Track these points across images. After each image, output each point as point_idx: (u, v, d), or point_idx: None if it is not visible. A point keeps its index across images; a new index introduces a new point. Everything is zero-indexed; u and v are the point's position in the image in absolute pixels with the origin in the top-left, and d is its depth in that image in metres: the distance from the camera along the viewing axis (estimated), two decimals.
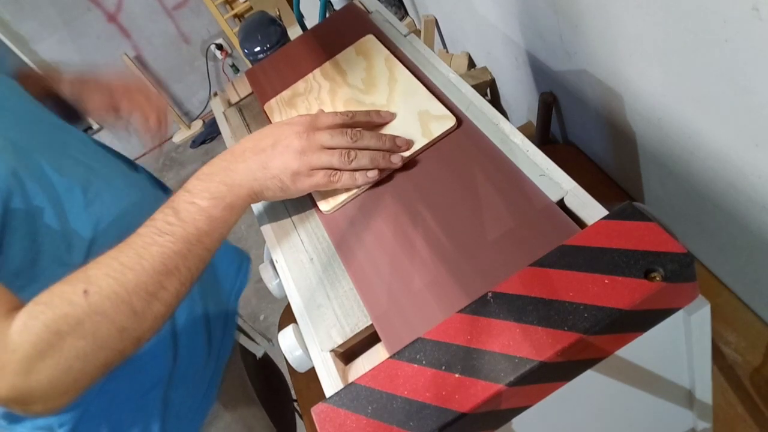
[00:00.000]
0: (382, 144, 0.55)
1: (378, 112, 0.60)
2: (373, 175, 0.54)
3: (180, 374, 0.73)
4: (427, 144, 0.56)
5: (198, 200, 0.51)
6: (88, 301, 0.46)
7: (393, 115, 0.60)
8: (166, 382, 0.72)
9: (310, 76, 0.71)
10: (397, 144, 0.56)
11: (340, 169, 0.54)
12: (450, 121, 0.56)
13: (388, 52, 0.67)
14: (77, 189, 0.64)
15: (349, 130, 0.55)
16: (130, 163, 0.80)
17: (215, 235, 0.51)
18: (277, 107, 0.70)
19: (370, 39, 0.70)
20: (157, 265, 0.48)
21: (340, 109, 0.64)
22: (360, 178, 0.54)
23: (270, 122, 0.70)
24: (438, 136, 0.56)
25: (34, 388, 0.45)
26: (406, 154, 0.56)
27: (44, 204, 0.59)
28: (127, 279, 0.47)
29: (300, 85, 0.71)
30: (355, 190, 0.56)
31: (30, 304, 0.46)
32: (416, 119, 0.59)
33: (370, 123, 0.59)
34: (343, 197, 0.56)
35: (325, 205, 0.57)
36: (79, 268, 0.49)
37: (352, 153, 0.54)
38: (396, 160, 0.55)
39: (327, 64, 0.71)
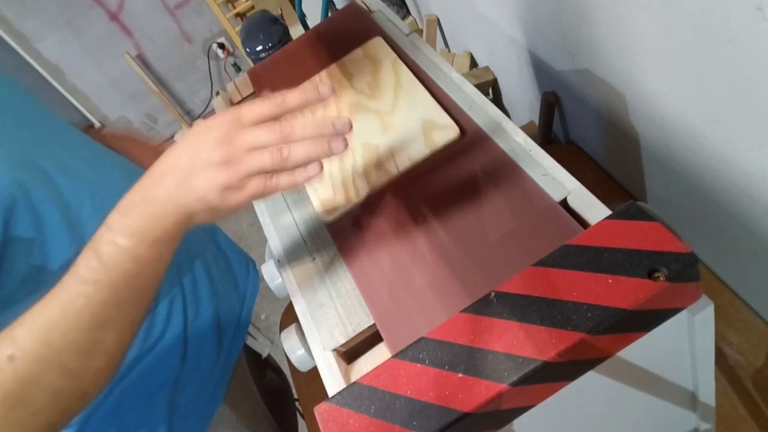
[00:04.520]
0: (320, 130, 0.45)
1: (315, 87, 0.47)
2: (314, 170, 0.45)
3: (188, 377, 0.72)
4: (429, 154, 0.56)
5: (119, 239, 0.44)
6: (13, 367, 0.42)
7: (333, 89, 0.48)
8: (173, 385, 0.71)
9: (316, 77, 0.71)
10: (336, 127, 0.45)
11: (275, 171, 0.45)
12: (453, 132, 0.56)
13: (395, 55, 0.67)
14: (85, 194, 0.63)
15: (278, 123, 0.46)
16: (131, 163, 0.79)
17: (147, 274, 0.45)
18: None
19: (378, 41, 0.69)
20: (86, 318, 0.43)
21: (345, 113, 0.63)
22: (300, 175, 0.45)
23: None
24: (440, 147, 0.56)
25: None
26: (408, 164, 0.55)
27: (52, 212, 0.58)
28: (52, 338, 0.42)
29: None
30: (354, 198, 0.55)
31: None
32: (420, 128, 0.58)
33: (307, 104, 0.47)
34: (342, 205, 0.56)
35: (327, 216, 0.56)
36: None
37: (285, 149, 0.44)
38: (337, 144, 0.45)
39: (333, 66, 0.70)
